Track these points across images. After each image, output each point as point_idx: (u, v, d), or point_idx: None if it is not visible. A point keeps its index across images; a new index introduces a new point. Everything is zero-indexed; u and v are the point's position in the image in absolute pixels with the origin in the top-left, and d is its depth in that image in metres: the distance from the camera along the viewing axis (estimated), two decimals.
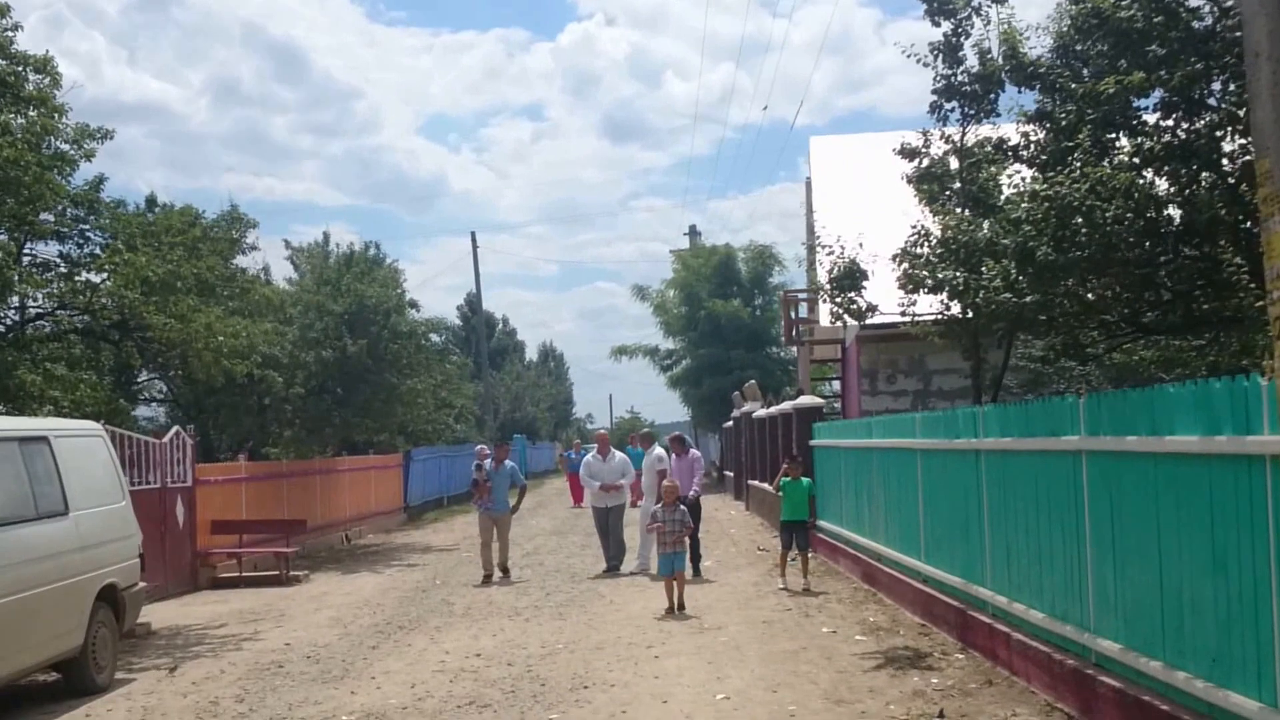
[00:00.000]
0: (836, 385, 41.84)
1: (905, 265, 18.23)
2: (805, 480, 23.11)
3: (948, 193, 19.03)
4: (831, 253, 19.36)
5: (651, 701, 13.82)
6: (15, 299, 19.65)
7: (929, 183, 19.11)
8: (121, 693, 15.71)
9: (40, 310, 20.54)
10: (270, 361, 28.49)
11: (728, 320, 65.51)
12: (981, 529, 15.80)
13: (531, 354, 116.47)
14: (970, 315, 18.19)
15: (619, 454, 27.98)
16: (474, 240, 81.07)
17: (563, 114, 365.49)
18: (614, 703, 13.87)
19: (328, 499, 38.10)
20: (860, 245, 19.38)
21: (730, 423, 53.76)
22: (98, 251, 21.29)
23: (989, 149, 18.74)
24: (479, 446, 28.12)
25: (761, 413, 41.18)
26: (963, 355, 20.45)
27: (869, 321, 29.56)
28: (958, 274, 16.45)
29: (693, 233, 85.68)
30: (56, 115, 20.40)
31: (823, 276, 19.66)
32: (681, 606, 20.18)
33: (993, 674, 14.40)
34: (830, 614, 19.68)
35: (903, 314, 19.30)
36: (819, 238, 35.28)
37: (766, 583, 23.75)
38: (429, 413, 41.89)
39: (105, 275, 20.45)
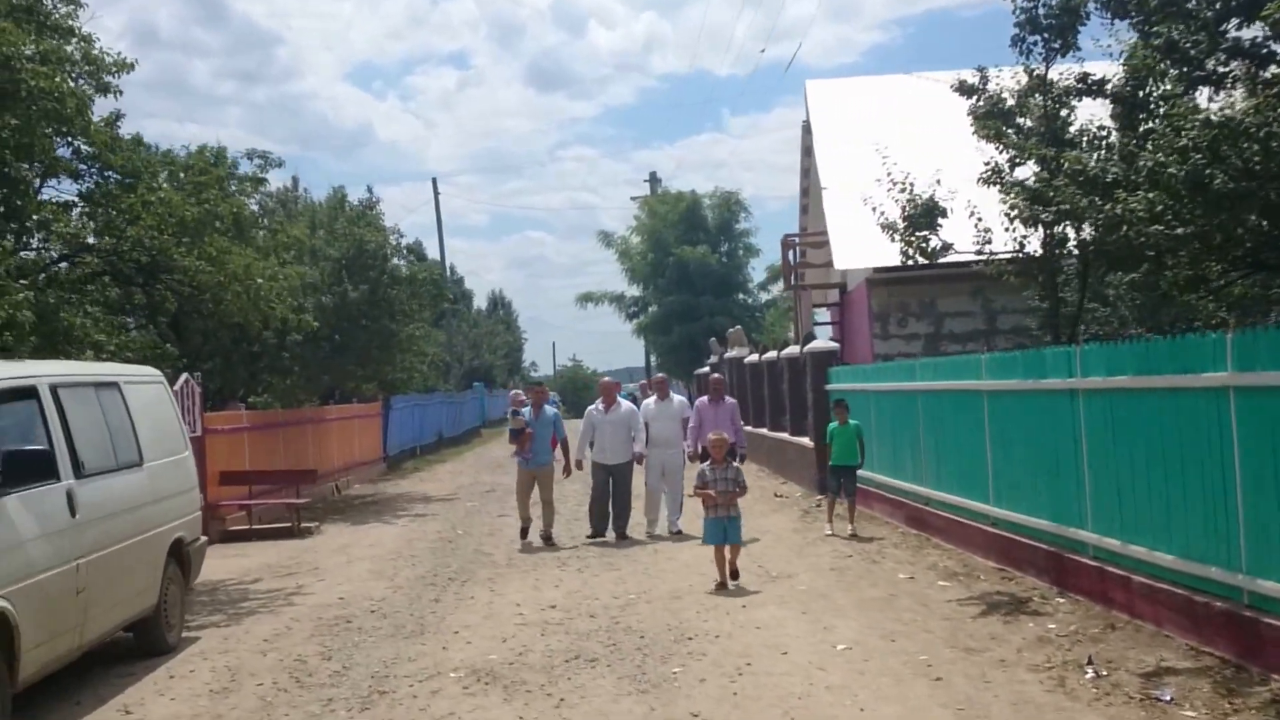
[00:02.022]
0: (821, 330, 41.06)
1: (1011, 198, 17.57)
2: (854, 423, 22.53)
3: (1016, 130, 18.35)
4: (904, 190, 18.69)
5: (770, 653, 13.33)
6: (37, 238, 18.78)
7: (994, 120, 18.46)
8: (194, 651, 15.10)
9: (63, 252, 19.63)
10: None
11: (696, 267, 65.27)
12: (1078, 471, 15.32)
13: (480, 302, 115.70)
14: (1056, 250, 17.69)
15: (625, 403, 24.40)
16: (435, 187, 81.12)
17: (488, 62, 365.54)
18: (729, 654, 13.38)
19: (319, 449, 37.41)
20: (938, 182, 18.74)
21: (706, 368, 53.07)
22: (114, 191, 20.23)
23: (1072, 82, 18.20)
24: (513, 391, 26.53)
25: (753, 358, 40.60)
26: (1038, 295, 19.91)
27: (883, 264, 29.48)
28: (1095, 202, 15.72)
29: (653, 179, 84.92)
30: (84, 44, 19.55)
31: (892, 214, 18.97)
32: (735, 576, 17.51)
33: (1110, 618, 13.97)
34: (895, 560, 19.27)
35: (978, 253, 18.66)
36: (823, 185, 35.19)
37: (806, 529, 23.36)
38: (423, 359, 41.27)
39: (137, 215, 19.57)
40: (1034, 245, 18.17)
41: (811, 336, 32.97)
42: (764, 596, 16.69)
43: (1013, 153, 18.19)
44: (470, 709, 11.77)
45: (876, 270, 32.07)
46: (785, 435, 33.68)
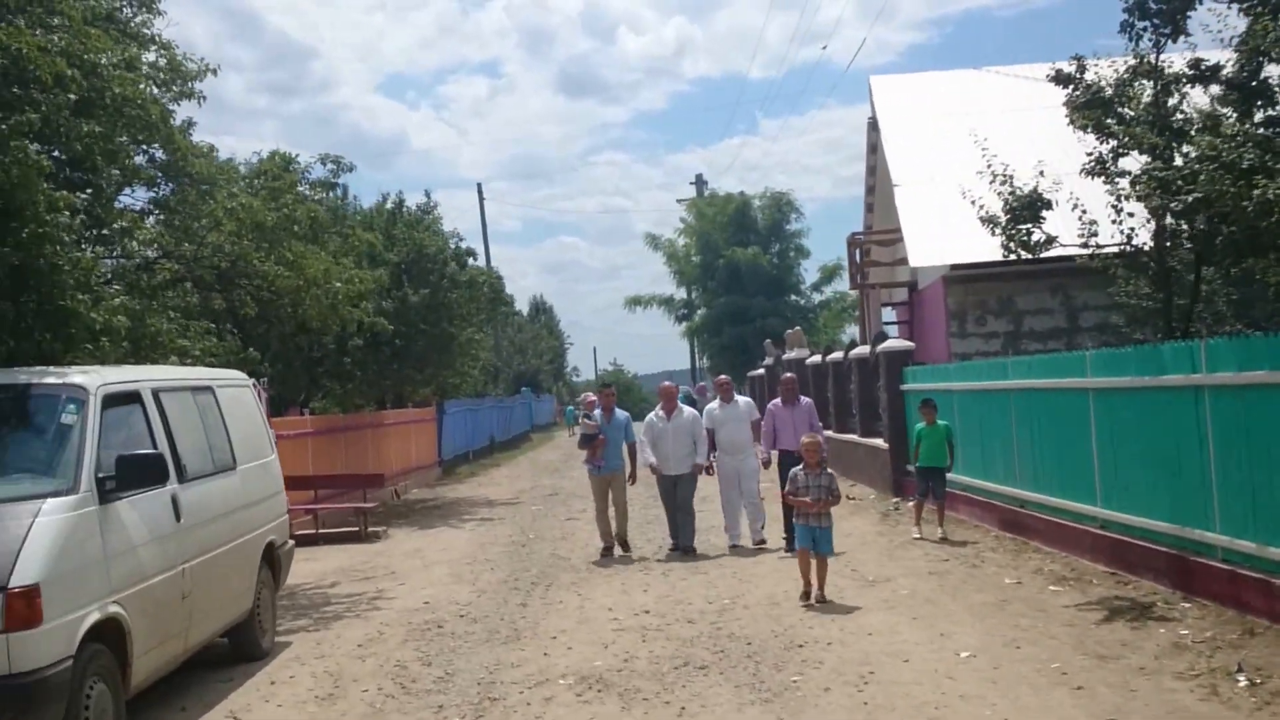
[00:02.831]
0: (891, 329, 40.64)
1: (1137, 188, 17.21)
2: (943, 424, 22.14)
3: (1117, 119, 17.98)
4: (1005, 182, 18.37)
5: (891, 661, 12.98)
6: (120, 246, 18.56)
7: (1094, 109, 18.09)
8: (289, 657, 14.89)
9: (145, 259, 19.40)
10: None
11: (747, 268, 65.08)
12: (1203, 471, 14.89)
13: (520, 307, 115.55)
14: (1170, 243, 17.36)
15: (688, 410, 22.74)
16: (480, 192, 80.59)
17: (519, 70, 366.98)
18: (847, 662, 13.04)
19: (378, 453, 37.33)
20: (1041, 174, 18.41)
21: (761, 370, 52.73)
22: (190, 198, 20.01)
23: (1183, 69, 17.87)
24: (585, 395, 25.08)
25: (815, 359, 40.26)
26: (1151, 286, 19.56)
27: (961, 261, 29.15)
28: (1242, 188, 15.27)
29: (700, 181, 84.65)
30: (165, 51, 19.37)
31: (995, 207, 18.63)
32: (822, 598, 16.30)
33: (1247, 624, 13.49)
34: (996, 564, 18.91)
35: (1084, 245, 18.31)
36: (895, 182, 34.85)
37: (890, 532, 23.03)
38: (476, 363, 41.12)
39: (218, 221, 19.38)
40: (1142, 238, 17.78)
41: (884, 336, 32.60)
42: (868, 602, 16.32)
43: (1116, 142, 17.79)
44: (588, 717, 11.50)
45: (954, 267, 31.70)
46: (854, 436, 33.31)
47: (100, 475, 10.98)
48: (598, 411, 22.69)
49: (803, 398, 22.94)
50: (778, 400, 22.51)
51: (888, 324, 42.10)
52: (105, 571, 10.69)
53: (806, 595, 16.29)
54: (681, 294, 75.98)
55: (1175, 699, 11.10)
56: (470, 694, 12.49)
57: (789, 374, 24.22)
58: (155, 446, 12.16)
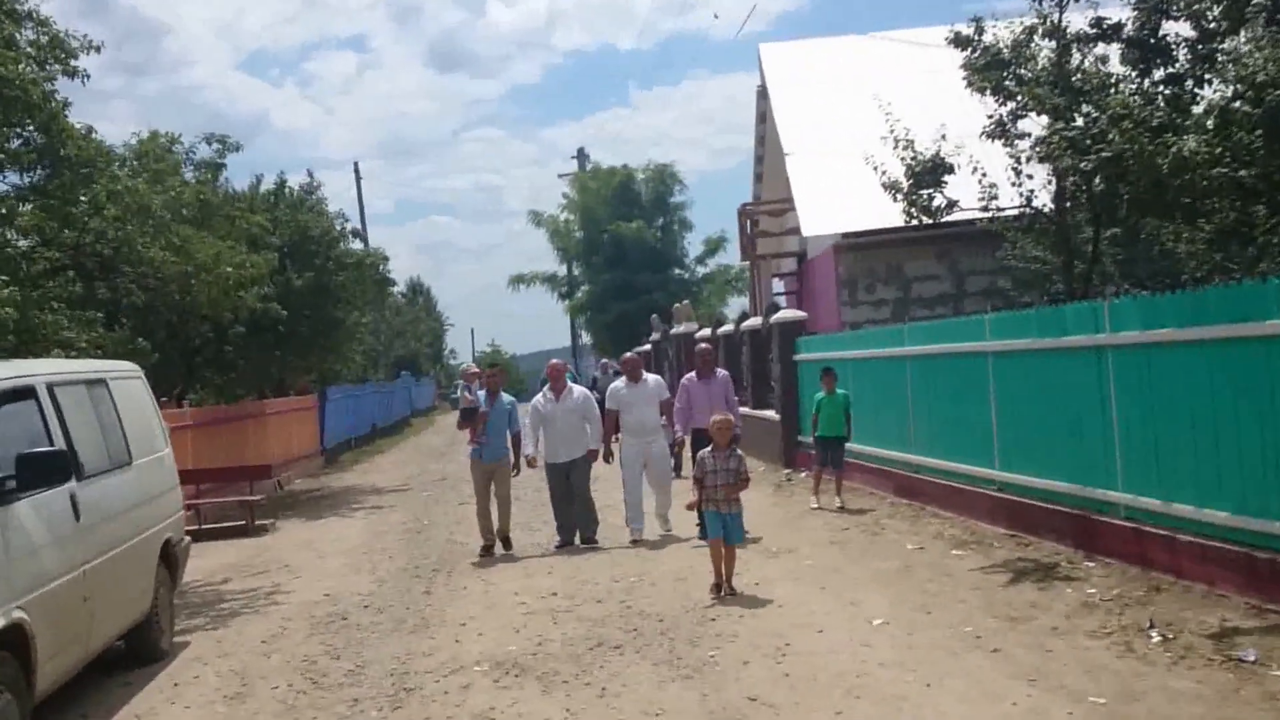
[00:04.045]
0: (781, 300, 40.78)
1: (1038, 149, 17.47)
2: (842, 393, 22.32)
3: (1018, 81, 18.23)
4: (907, 147, 18.61)
5: (804, 631, 13.14)
6: None
7: (994, 71, 18.34)
8: (190, 657, 14.75)
9: (24, 248, 19.10)
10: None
11: (632, 242, 65.03)
12: (1106, 432, 15.21)
13: (399, 289, 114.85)
14: (1069, 204, 17.67)
15: (578, 389, 21.35)
16: (357, 171, 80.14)
17: (387, 44, 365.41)
18: (761, 634, 13.17)
19: (259, 444, 37.05)
20: (944, 138, 18.64)
21: (648, 345, 52.74)
22: (68, 182, 19.62)
23: (1086, 28, 18.15)
24: (465, 365, 23.59)
25: (704, 332, 40.38)
26: (1049, 249, 19.86)
27: (853, 229, 29.41)
28: (1159, 145, 15.48)
29: (581, 155, 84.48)
30: (41, 28, 19.05)
31: (897, 172, 18.87)
32: (730, 588, 15.42)
33: (1152, 580, 13.84)
34: (895, 531, 19.22)
35: (984, 209, 18.57)
36: (786, 150, 35.03)
37: (786, 503, 23.31)
38: (359, 347, 40.89)
39: (99, 206, 19.12)
40: (1042, 199, 18.08)
41: (776, 307, 32.79)
42: (773, 573, 16.47)
43: (1015, 104, 18.07)
44: (510, 703, 11.52)
45: (845, 235, 31.95)
46: (746, 410, 33.43)
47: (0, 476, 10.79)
48: (482, 392, 20.97)
49: (719, 370, 21.56)
50: (691, 374, 21.05)
51: (778, 295, 42.30)
52: (7, 576, 10.50)
53: (717, 589, 15.30)
54: (564, 271, 75.79)
55: (1092, 657, 11.34)
56: (384, 685, 12.47)
57: (704, 344, 22.73)
58: (53, 444, 11.95)
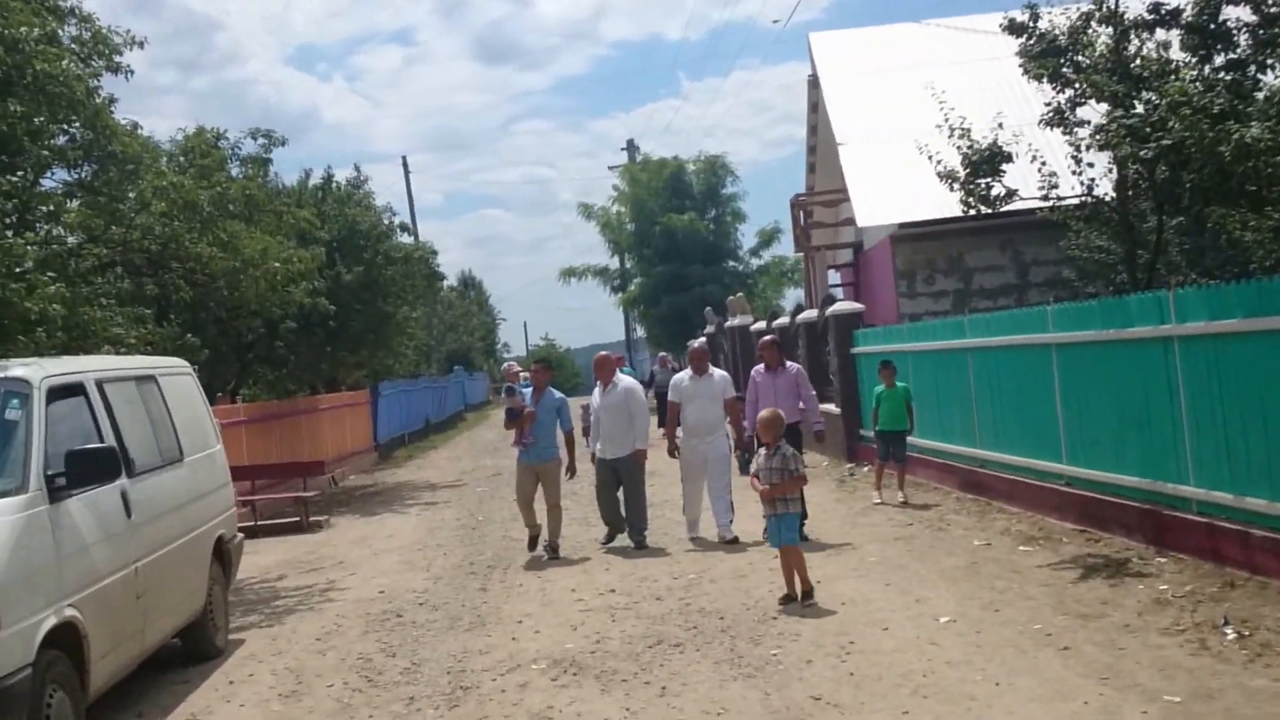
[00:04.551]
0: (837, 292, 40.55)
1: (1097, 137, 17.30)
2: (902, 386, 22.14)
3: (1076, 68, 18.05)
4: (964, 135, 18.45)
5: (869, 629, 13.01)
6: (43, 231, 18.24)
7: (1051, 58, 18.16)
8: (245, 654, 14.74)
9: (72, 245, 19.04)
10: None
11: (684, 235, 64.66)
12: (1175, 423, 15.00)
13: (449, 283, 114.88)
14: (1131, 192, 17.47)
15: (625, 379, 20.46)
16: (405, 165, 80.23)
17: (433, 37, 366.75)
18: (825, 633, 13.05)
19: (313, 440, 37.08)
20: (1000, 126, 18.49)
21: (703, 338, 52.47)
22: (114, 179, 19.56)
23: (1144, 14, 17.95)
24: (506, 364, 22.40)
25: (759, 325, 40.25)
26: (1111, 238, 19.67)
27: (910, 219, 29.23)
28: (1222, 133, 15.32)
29: (631, 147, 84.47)
30: (85, 24, 19.00)
31: (953, 161, 18.72)
32: (808, 594, 14.52)
33: (1227, 576, 13.60)
34: (961, 526, 19.02)
35: (1044, 197, 18.40)
36: (839, 140, 34.87)
37: (849, 498, 23.12)
38: (411, 342, 40.87)
39: (146, 202, 19.10)
40: (1104, 188, 17.90)
41: (832, 299, 32.54)
42: (837, 570, 16.32)
43: (1073, 91, 17.90)
44: (568, 701, 11.44)
45: (902, 226, 31.78)
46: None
47: (50, 473, 10.76)
48: (529, 388, 20.24)
49: (789, 363, 20.29)
50: (759, 367, 19.77)
51: (834, 286, 42.10)
52: (59, 574, 10.50)
53: (789, 598, 14.51)
54: (616, 264, 75.66)
55: (1165, 655, 11.16)
56: (441, 684, 12.41)
57: (768, 335, 21.68)
58: (102, 440, 11.94)
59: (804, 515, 16.56)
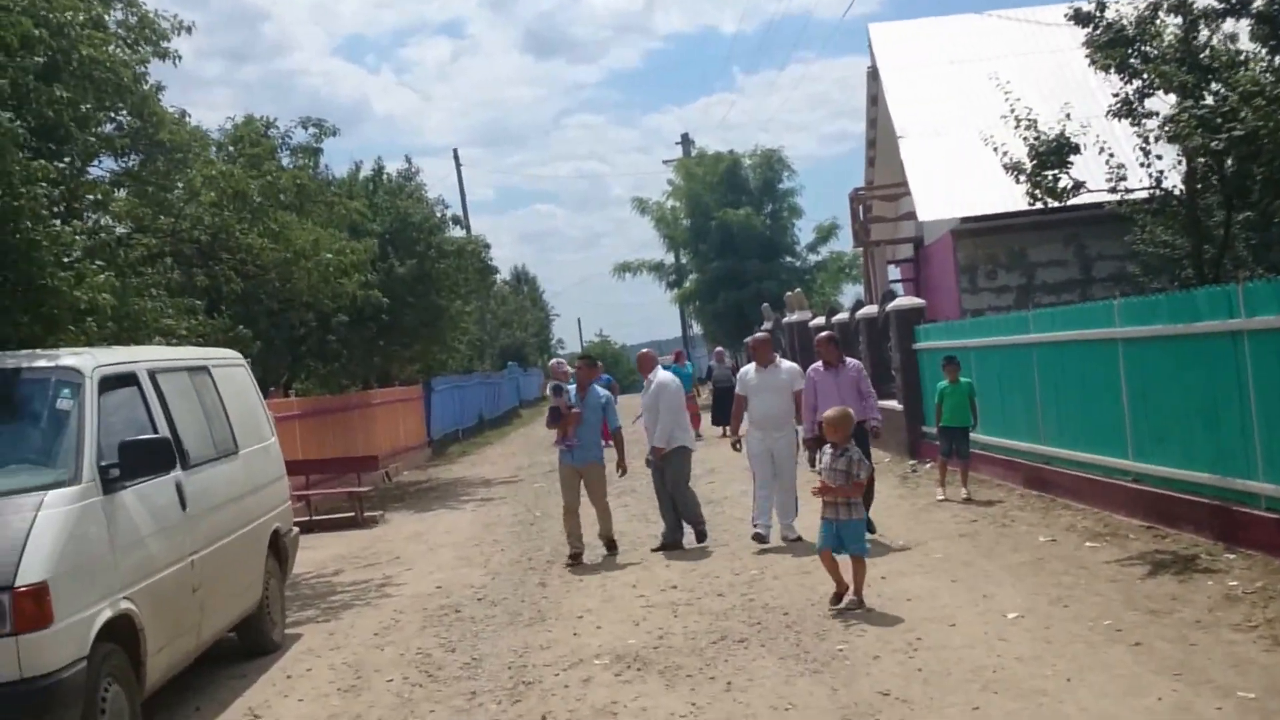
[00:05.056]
0: (897, 287, 40.40)
1: (1166, 128, 17.18)
2: (966, 381, 22.01)
3: (1144, 58, 17.91)
4: (1030, 126, 18.34)
5: (937, 626, 12.91)
6: (92, 220, 18.18)
7: (1118, 48, 18.02)
8: (302, 649, 14.76)
9: (120, 235, 18.95)
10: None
11: (740, 230, 64.42)
12: (1245, 418, 14.85)
13: (503, 277, 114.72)
14: (1200, 185, 17.34)
15: (663, 374, 20.00)
16: (457, 158, 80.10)
17: (483, 29, 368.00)
18: (891, 629, 12.99)
19: (366, 435, 37.11)
20: (1068, 116, 18.35)
21: (763, 333, 52.20)
22: (161, 168, 19.41)
23: (1214, 3, 17.80)
24: (555, 360, 20.93)
25: (818, 321, 40.15)
26: (1179, 232, 19.53)
27: (973, 214, 29.08)
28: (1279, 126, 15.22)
29: (686, 141, 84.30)
30: (130, 7, 18.85)
31: (1019, 153, 18.60)
32: (860, 604, 13.95)
33: None
34: (1026, 523, 18.88)
35: (1112, 189, 18.26)
36: (899, 133, 34.73)
37: (912, 494, 23.01)
38: (464, 337, 40.83)
39: (195, 192, 19.02)
40: (1172, 180, 17.77)
41: (892, 294, 32.47)
42: (901, 566, 16.23)
43: (1141, 82, 17.76)
44: (633, 697, 11.40)
45: (964, 220, 31.64)
46: None
47: (103, 464, 10.74)
48: (573, 385, 19.67)
49: (849, 359, 19.34)
50: (818, 365, 18.92)
51: (894, 282, 41.93)
52: (114, 566, 10.48)
53: (837, 598, 14.02)
54: (671, 259, 75.57)
55: (1238, 650, 11.06)
56: (502, 678, 12.39)
57: (826, 331, 20.68)
58: (156, 431, 11.90)
59: (867, 507, 16.50)
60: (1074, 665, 11.08)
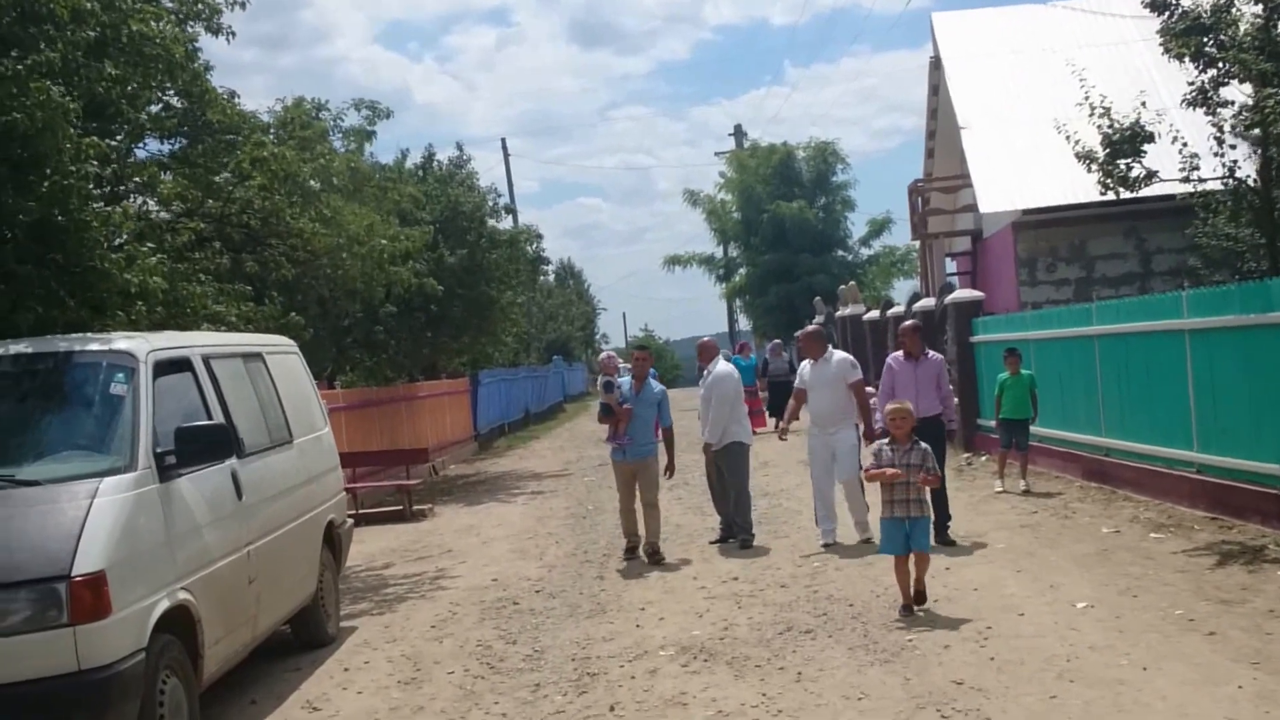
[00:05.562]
0: (954, 280, 40.19)
1: (1243, 117, 17.05)
2: (1026, 373, 21.89)
3: (1221, 46, 17.72)
4: (1104, 114, 18.20)
5: (1006, 615, 12.84)
6: (138, 203, 18.05)
7: (1194, 35, 17.82)
8: (358, 642, 14.64)
9: (168, 218, 18.80)
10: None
11: (792, 223, 64.18)
12: None
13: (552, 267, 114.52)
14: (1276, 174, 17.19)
15: (723, 366, 19.26)
16: (505, 148, 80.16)
17: (529, 18, 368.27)
18: (961, 618, 12.93)
19: (413, 428, 37.00)
20: (1144, 105, 18.21)
21: (814, 326, 52.03)
22: (212, 149, 19.15)
23: None
24: (604, 354, 20.27)
25: (873, 314, 40.06)
26: (1255, 224, 19.39)
27: (1034, 205, 28.95)
28: None
29: (739, 133, 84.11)
30: None
31: (1093, 140, 18.48)
32: (921, 600, 13.47)
33: None
34: (1088, 514, 18.81)
35: (1185, 179, 18.11)
36: (961, 124, 34.55)
37: (968, 486, 22.86)
38: (513, 329, 40.72)
39: (244, 174, 18.86)
40: (1246, 170, 17.63)
41: (950, 287, 32.38)
42: (965, 557, 16.16)
43: (1217, 71, 17.59)
44: (701, 687, 11.30)
45: (1025, 212, 31.48)
46: None
47: (158, 450, 10.58)
48: (626, 378, 18.95)
49: (930, 351, 18.52)
50: (897, 354, 18.20)
51: (951, 275, 41.73)
52: (170, 556, 10.34)
53: (906, 609, 13.31)
54: (720, 252, 75.47)
55: None
56: (566, 670, 12.30)
57: (909, 321, 19.62)
58: (210, 418, 11.74)
59: (948, 517, 16.88)
60: (1149, 654, 10.99)
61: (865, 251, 70.08)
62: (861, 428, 18.09)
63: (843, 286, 47.87)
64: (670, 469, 18.80)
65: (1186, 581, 13.68)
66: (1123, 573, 14.44)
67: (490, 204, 37.22)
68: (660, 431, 18.47)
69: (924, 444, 13.49)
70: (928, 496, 13.65)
